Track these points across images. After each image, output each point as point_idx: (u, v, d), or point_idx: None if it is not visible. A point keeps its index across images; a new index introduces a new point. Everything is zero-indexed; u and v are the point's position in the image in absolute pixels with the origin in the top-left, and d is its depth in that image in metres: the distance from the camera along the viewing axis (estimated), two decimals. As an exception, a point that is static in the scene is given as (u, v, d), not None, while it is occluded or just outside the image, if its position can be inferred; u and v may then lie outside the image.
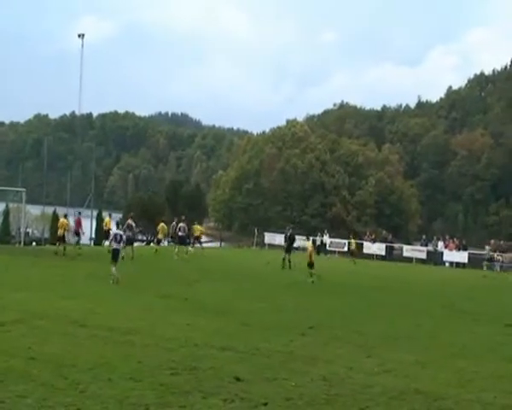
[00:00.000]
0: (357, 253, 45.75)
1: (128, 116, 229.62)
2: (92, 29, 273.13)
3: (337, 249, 55.49)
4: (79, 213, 42.64)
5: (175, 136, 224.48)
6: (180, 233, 37.28)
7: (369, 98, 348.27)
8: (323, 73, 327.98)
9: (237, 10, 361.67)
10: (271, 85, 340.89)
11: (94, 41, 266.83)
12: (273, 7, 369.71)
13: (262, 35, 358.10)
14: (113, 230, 28.24)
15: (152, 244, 55.55)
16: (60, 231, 35.03)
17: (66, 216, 37.74)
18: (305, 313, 19.80)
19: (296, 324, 17.29)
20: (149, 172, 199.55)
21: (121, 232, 26.51)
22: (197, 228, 40.94)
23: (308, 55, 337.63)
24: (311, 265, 28.30)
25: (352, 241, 45.06)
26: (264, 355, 13.08)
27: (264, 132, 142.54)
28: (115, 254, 24.86)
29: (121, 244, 25.80)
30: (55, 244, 36.32)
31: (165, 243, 45.01)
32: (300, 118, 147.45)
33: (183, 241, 37.67)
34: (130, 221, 35.13)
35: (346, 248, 54.82)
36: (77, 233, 39.03)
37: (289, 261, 33.62)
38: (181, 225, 37.47)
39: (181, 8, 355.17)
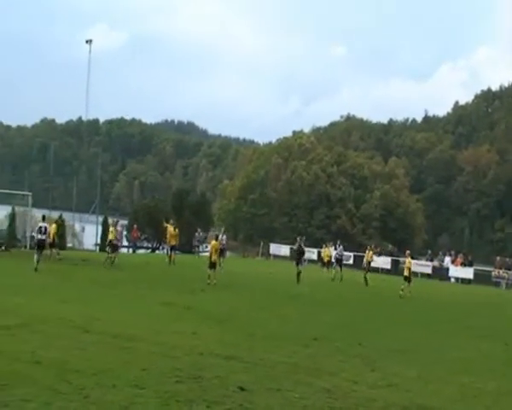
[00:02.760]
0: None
1: (134, 123, 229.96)
2: (103, 37, 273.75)
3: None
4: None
5: (181, 144, 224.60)
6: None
7: (377, 112, 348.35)
8: (331, 87, 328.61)
9: (247, 22, 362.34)
10: (279, 97, 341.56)
11: (104, 49, 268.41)
12: (283, 20, 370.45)
13: (271, 48, 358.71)
14: (40, 223, 30.73)
15: (158, 252, 55.63)
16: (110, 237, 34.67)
17: (115, 224, 37.10)
18: (309, 324, 19.78)
19: (300, 335, 17.28)
20: (155, 179, 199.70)
21: (46, 225, 30.04)
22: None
23: (317, 68, 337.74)
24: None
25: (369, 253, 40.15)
26: (268, 366, 13.06)
27: (270, 143, 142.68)
28: (40, 244, 28.78)
29: (45, 236, 29.35)
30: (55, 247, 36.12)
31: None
32: (307, 130, 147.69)
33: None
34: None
35: (351, 261, 54.95)
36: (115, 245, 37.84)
37: (299, 274, 33.32)
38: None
39: (191, 20, 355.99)
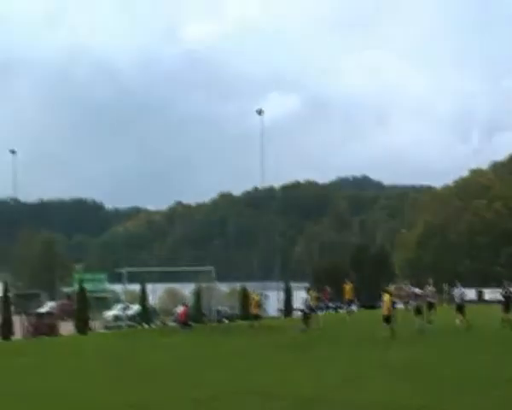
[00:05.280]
0: None
1: (309, 185, 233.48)
2: (275, 104, 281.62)
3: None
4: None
5: (357, 199, 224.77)
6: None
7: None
8: (509, 119, 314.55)
9: (412, 68, 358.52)
10: (455, 137, 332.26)
11: (275, 116, 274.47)
12: (450, 58, 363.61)
13: (441, 88, 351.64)
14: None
15: (342, 311, 55.48)
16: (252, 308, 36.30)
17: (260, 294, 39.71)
18: (501, 365, 18.90)
19: (493, 378, 16.58)
20: (333, 238, 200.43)
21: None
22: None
23: (492, 102, 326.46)
24: None
25: None
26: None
27: (447, 186, 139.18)
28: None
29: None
30: (246, 319, 37.44)
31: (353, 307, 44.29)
32: (485, 166, 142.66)
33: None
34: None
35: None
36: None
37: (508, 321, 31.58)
38: None
39: (356, 75, 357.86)
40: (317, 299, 37.19)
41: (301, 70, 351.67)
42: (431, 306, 33.85)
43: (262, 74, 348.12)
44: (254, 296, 38.39)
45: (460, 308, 32.68)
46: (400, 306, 43.10)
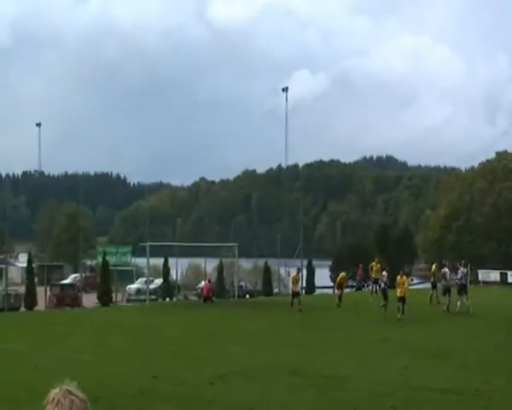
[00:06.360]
0: None
1: (333, 164, 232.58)
2: (303, 83, 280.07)
3: None
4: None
5: (381, 179, 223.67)
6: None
7: None
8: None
9: (441, 50, 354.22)
10: (482, 120, 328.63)
11: (303, 94, 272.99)
12: (482, 42, 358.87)
13: (472, 71, 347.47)
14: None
15: (363, 289, 55.23)
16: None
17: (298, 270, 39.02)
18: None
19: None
20: (357, 217, 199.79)
21: None
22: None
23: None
24: None
25: None
26: (485, 396, 12.50)
27: (472, 168, 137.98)
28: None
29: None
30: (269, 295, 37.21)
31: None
32: (511, 149, 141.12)
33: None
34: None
35: None
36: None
37: None
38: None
39: (387, 56, 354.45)
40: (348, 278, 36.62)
41: (330, 50, 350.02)
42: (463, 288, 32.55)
43: (291, 53, 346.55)
44: (294, 274, 37.30)
45: (461, 290, 30.91)
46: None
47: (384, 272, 33.18)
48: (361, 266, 48.32)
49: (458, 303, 29.86)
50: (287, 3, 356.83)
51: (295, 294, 33.45)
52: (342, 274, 37.94)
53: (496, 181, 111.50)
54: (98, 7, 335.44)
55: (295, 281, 34.83)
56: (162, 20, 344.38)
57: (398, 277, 28.74)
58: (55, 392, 2.89)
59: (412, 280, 32.36)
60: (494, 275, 62.61)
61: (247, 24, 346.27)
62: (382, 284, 31.82)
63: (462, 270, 32.33)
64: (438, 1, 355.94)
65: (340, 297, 35.13)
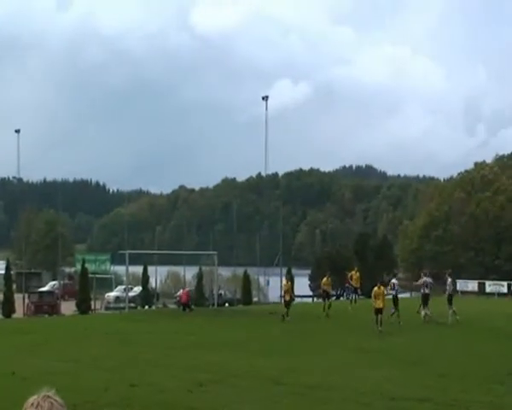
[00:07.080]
0: None
1: (313, 173, 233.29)
2: (284, 92, 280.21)
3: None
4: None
5: (360, 188, 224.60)
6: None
7: None
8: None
9: (422, 61, 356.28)
10: (461, 131, 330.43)
11: (284, 103, 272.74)
12: (461, 54, 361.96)
13: (452, 82, 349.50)
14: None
15: (341, 299, 55.37)
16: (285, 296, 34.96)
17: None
18: (504, 359, 18.84)
19: (494, 371, 16.50)
20: (336, 226, 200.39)
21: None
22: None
23: (499, 98, 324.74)
24: None
25: None
26: (462, 406, 12.59)
27: (451, 178, 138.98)
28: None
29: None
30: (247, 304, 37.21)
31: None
32: (489, 160, 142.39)
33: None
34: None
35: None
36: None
37: None
38: None
39: (369, 66, 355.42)
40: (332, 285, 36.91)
41: (313, 59, 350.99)
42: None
43: (273, 62, 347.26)
44: (285, 283, 36.78)
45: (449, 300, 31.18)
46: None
47: (394, 280, 33.13)
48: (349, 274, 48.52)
49: (450, 312, 29.99)
50: (270, 11, 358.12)
51: (287, 303, 32.90)
52: (324, 280, 36.80)
53: (474, 191, 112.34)
54: (80, 11, 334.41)
55: (287, 290, 33.98)
56: (144, 26, 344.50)
57: (376, 288, 27.81)
58: (34, 397, 2.92)
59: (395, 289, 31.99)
60: (472, 285, 63.17)
61: (229, 31, 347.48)
62: (394, 292, 31.63)
63: (449, 280, 32.53)
64: (419, 12, 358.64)
65: (328, 306, 34.06)
